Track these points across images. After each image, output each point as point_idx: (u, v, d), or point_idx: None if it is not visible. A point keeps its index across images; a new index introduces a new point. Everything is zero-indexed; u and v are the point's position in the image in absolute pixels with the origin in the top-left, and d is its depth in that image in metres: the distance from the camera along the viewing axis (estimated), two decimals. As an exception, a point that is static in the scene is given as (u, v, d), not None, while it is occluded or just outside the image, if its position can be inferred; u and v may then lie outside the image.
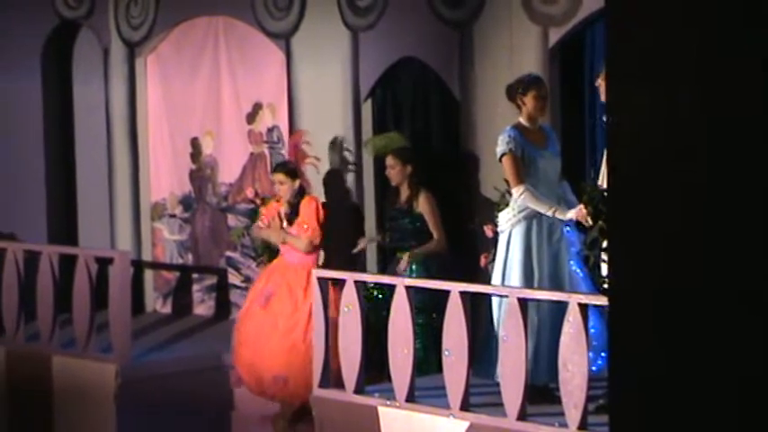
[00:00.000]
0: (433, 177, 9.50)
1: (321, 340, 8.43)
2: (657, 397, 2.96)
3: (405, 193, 9.29)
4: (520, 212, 7.90)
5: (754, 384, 2.80)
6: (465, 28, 9.80)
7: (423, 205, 9.19)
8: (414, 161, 9.29)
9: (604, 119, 7.74)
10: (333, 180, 10.40)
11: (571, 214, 7.72)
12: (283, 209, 9.53)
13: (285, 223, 9.48)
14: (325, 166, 10.34)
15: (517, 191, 7.87)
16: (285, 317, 9.27)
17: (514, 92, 8.07)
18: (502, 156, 7.93)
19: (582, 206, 7.62)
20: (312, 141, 10.35)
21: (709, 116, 2.85)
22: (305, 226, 9.38)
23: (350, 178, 10.40)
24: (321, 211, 9.46)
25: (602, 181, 7.60)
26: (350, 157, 10.35)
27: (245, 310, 9.55)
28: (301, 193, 9.55)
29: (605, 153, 7.68)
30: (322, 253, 9.50)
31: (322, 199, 9.96)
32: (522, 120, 8.03)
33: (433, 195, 9.25)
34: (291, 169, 9.63)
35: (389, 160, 9.35)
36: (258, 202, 10.10)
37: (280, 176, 9.56)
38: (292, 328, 9.24)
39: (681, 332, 2.91)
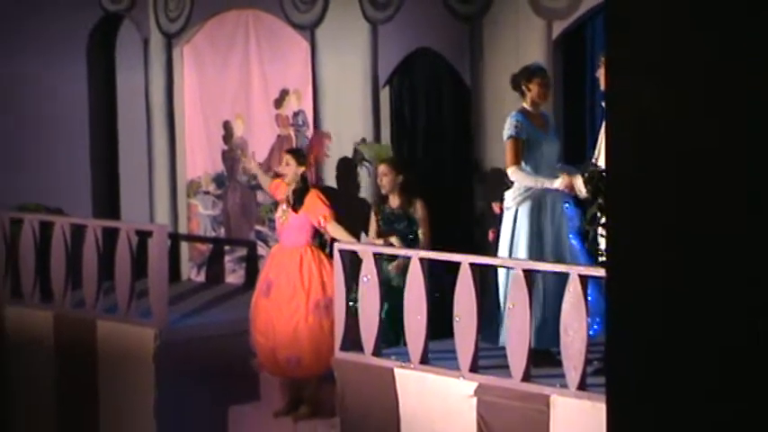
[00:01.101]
0: (442, 160, 9.47)
1: (341, 307, 8.45)
2: (650, 361, 2.96)
3: (395, 200, 9.07)
4: (525, 191, 7.89)
5: (737, 352, 2.81)
6: (475, 21, 9.78)
7: (421, 212, 8.99)
8: (405, 171, 9.17)
9: (603, 104, 7.73)
10: (345, 174, 10.35)
11: (557, 183, 7.73)
12: (288, 191, 9.32)
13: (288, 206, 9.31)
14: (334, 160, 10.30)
15: (510, 171, 7.88)
16: (286, 302, 9.14)
17: (519, 80, 8.06)
18: (508, 139, 7.92)
19: (566, 176, 7.65)
20: (333, 126, 10.36)
21: (704, 105, 2.84)
22: (322, 218, 9.10)
23: (364, 173, 10.30)
24: (324, 197, 9.33)
25: (598, 154, 7.61)
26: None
27: (254, 300, 9.41)
28: (303, 181, 9.31)
29: (602, 132, 7.69)
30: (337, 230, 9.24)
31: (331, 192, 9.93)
32: (526, 105, 8.02)
33: (426, 205, 9.08)
34: (301, 155, 9.50)
35: (383, 168, 9.12)
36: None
37: (288, 157, 9.34)
38: (294, 313, 9.13)
39: (673, 303, 2.91)
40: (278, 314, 9.17)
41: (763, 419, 2.75)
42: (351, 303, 8.63)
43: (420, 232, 9.00)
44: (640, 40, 2.92)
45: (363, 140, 10.31)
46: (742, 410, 2.80)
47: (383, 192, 9.16)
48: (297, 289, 9.15)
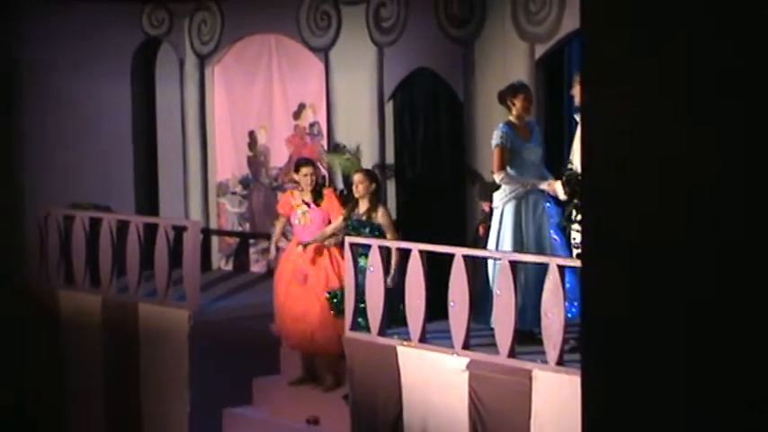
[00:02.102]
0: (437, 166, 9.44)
1: (351, 293, 8.44)
2: (620, 339, 2.97)
3: (364, 205, 8.78)
4: (510, 192, 7.88)
5: (697, 339, 2.81)
6: (468, 44, 9.77)
7: (382, 218, 8.73)
8: (377, 180, 9.01)
9: (577, 117, 7.72)
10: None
11: (544, 185, 7.73)
12: (307, 198, 9.25)
13: (307, 207, 9.30)
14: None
15: (498, 176, 7.87)
16: (322, 289, 9.07)
17: (505, 96, 8.06)
18: (494, 147, 7.93)
19: (552, 180, 7.65)
20: (344, 135, 10.36)
21: (667, 117, 2.84)
22: (337, 215, 9.10)
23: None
24: (336, 197, 9.33)
25: (573, 156, 7.61)
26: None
27: (284, 292, 9.23)
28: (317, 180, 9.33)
29: (575, 141, 7.68)
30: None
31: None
32: (512, 118, 8.01)
33: (388, 210, 8.97)
34: (314, 162, 9.52)
35: (358, 176, 8.82)
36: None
37: (309, 169, 9.23)
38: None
39: (640, 290, 2.91)
40: (315, 300, 9.06)
41: (725, 401, 2.76)
42: (335, 300, 8.69)
43: (388, 236, 8.83)
44: (610, 61, 2.92)
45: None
46: (703, 383, 2.80)
47: (357, 197, 8.96)
48: (330, 277, 9.09)
